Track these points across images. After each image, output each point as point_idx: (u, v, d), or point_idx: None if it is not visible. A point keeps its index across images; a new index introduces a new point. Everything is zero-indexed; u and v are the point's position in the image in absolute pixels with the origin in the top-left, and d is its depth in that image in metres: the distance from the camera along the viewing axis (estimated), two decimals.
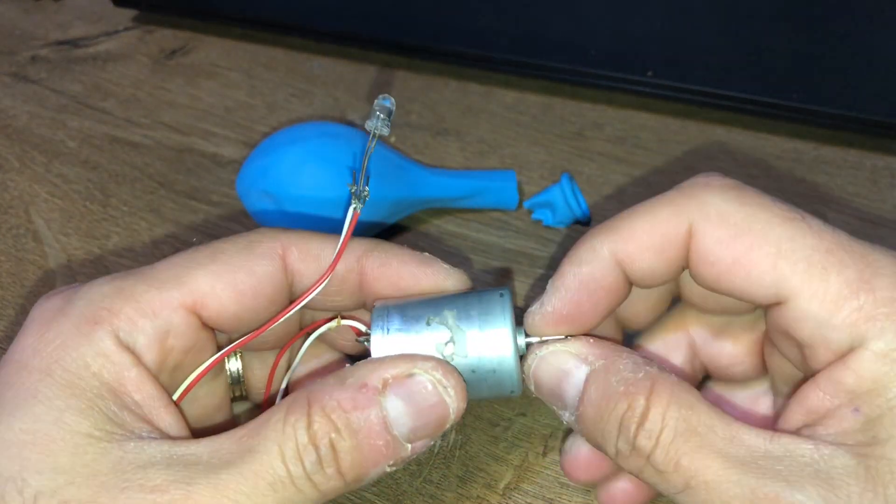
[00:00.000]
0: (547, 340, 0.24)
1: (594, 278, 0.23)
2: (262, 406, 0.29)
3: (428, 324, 0.24)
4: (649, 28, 0.48)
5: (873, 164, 0.42)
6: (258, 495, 0.20)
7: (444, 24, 0.49)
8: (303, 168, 0.35)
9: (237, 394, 0.28)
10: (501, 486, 0.29)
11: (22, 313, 0.37)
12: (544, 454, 0.30)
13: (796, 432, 0.21)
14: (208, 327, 0.25)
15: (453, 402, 0.23)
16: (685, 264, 0.23)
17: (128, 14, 0.57)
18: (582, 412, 0.22)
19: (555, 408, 0.24)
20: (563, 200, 0.38)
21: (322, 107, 0.48)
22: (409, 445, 0.22)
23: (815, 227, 0.21)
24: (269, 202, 0.35)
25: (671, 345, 0.28)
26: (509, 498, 0.29)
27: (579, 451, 0.27)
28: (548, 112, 0.47)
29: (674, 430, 0.20)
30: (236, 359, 0.28)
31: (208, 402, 0.26)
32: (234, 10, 0.53)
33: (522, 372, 0.24)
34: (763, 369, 0.26)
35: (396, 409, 0.22)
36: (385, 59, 0.51)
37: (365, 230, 0.37)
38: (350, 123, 0.46)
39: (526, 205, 0.40)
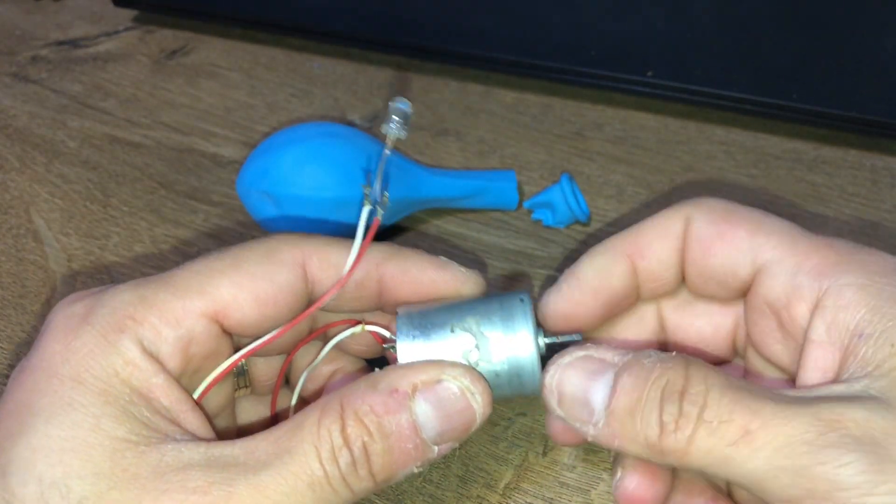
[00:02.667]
0: (567, 342, 0.24)
1: (607, 267, 0.25)
2: (272, 405, 0.29)
3: (452, 331, 0.24)
4: (649, 28, 0.48)
5: (873, 164, 0.42)
6: (297, 495, 0.21)
7: (444, 24, 0.49)
8: (303, 168, 0.35)
9: (240, 385, 0.28)
10: (501, 485, 0.29)
11: (23, 313, 0.37)
12: (544, 454, 0.30)
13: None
14: (227, 333, 0.25)
15: (480, 407, 0.23)
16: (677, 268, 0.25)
17: (128, 14, 0.57)
18: (615, 405, 0.21)
19: (578, 424, 0.22)
20: (563, 200, 0.38)
21: (322, 107, 0.48)
22: (436, 448, 0.23)
23: (785, 220, 0.24)
24: (268, 202, 0.35)
25: (640, 326, 0.28)
26: (509, 497, 0.29)
27: (631, 480, 0.25)
28: (548, 112, 0.47)
29: (720, 388, 0.20)
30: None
31: (218, 400, 0.26)
32: (234, 10, 0.53)
33: (543, 385, 0.24)
34: (732, 352, 0.27)
35: (425, 414, 0.22)
36: (385, 59, 0.51)
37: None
38: (350, 123, 0.46)
39: (526, 205, 0.40)
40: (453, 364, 0.23)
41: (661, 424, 0.20)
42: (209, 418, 0.24)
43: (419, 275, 0.26)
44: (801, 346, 0.23)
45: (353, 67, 0.51)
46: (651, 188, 0.41)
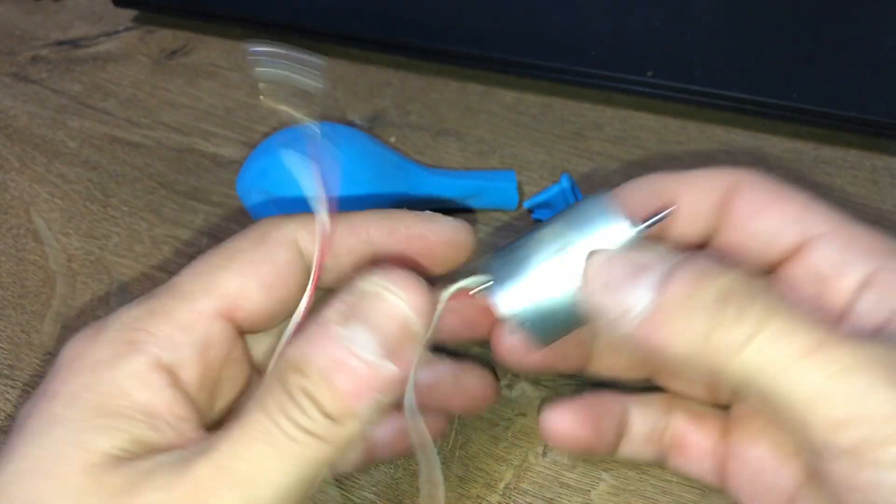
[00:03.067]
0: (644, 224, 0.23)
1: (640, 185, 0.26)
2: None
3: (543, 258, 0.23)
4: (649, 28, 0.48)
5: (873, 164, 0.42)
6: (256, 457, 0.20)
7: (444, 24, 0.49)
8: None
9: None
10: (501, 485, 0.29)
11: (23, 313, 0.37)
12: (544, 454, 0.30)
13: None
14: (240, 335, 0.24)
15: (404, 301, 0.21)
16: (715, 224, 0.25)
17: (128, 14, 0.57)
18: (666, 297, 0.20)
19: (614, 316, 0.21)
20: (563, 201, 0.38)
21: (322, 107, 0.48)
22: (388, 363, 0.21)
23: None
24: (269, 202, 0.35)
25: None
26: (509, 498, 0.29)
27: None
28: (548, 112, 0.47)
29: (788, 303, 0.19)
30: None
31: (234, 389, 0.25)
32: (234, 10, 0.53)
33: (584, 272, 0.22)
34: None
35: (352, 329, 0.21)
36: (385, 59, 0.51)
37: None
38: (350, 123, 0.46)
39: (526, 205, 0.40)
40: (368, 273, 0.22)
41: (717, 320, 0.19)
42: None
43: (408, 231, 0.26)
44: (836, 319, 0.22)
45: (353, 67, 0.51)
46: None
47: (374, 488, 0.29)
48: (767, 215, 0.24)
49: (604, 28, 0.48)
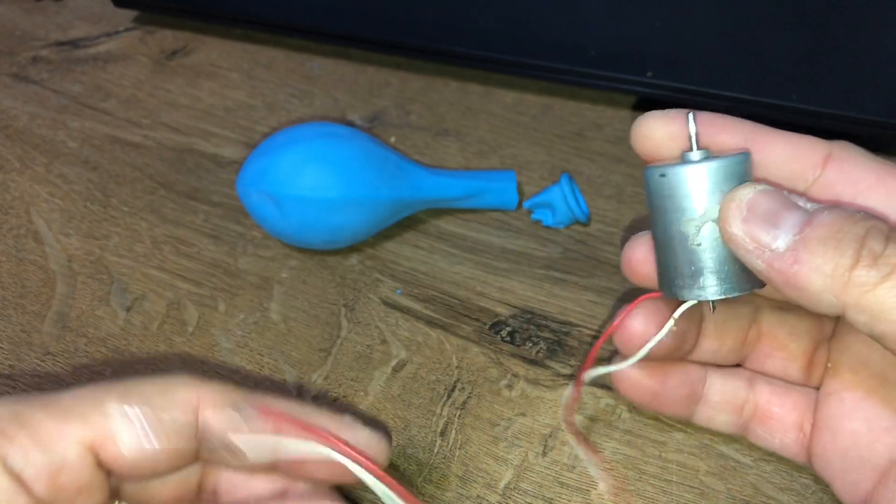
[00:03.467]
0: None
1: (726, 130, 0.24)
2: None
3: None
4: (649, 28, 0.48)
5: None
6: None
7: (444, 24, 0.49)
8: (303, 169, 0.35)
9: None
10: (501, 485, 0.29)
11: (23, 313, 0.37)
12: (544, 454, 0.30)
13: None
14: (103, 468, 0.23)
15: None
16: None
17: (128, 15, 0.58)
18: (810, 232, 0.20)
19: (752, 247, 0.21)
20: (562, 200, 0.38)
21: (322, 107, 0.48)
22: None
23: None
24: (269, 203, 0.35)
25: None
26: (509, 498, 0.29)
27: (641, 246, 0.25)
28: (547, 112, 0.47)
29: None
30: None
31: None
32: (234, 11, 0.53)
33: (732, 198, 0.22)
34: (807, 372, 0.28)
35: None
36: (385, 59, 0.51)
37: (365, 230, 0.37)
38: (350, 123, 0.46)
39: (526, 205, 0.40)
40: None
41: (858, 257, 0.19)
42: None
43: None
44: None
45: (353, 68, 0.51)
46: None
47: None
48: (874, 195, 0.23)
49: (604, 28, 0.48)
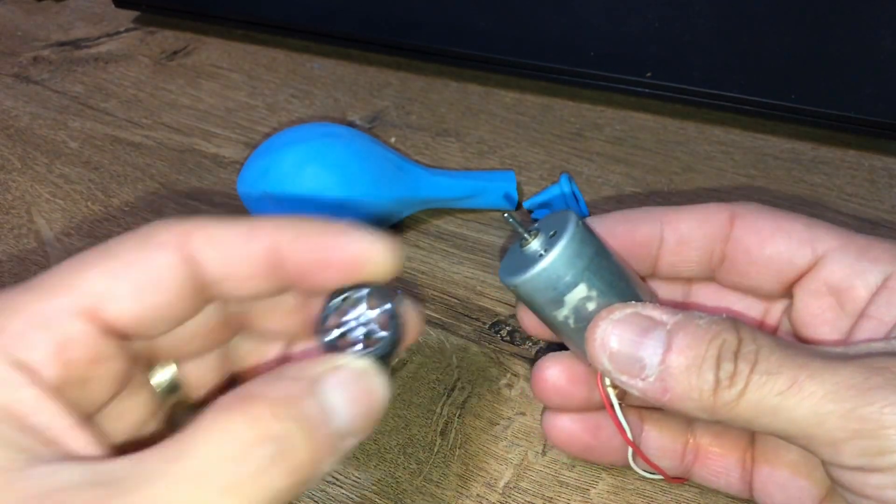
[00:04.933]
0: (613, 306, 0.24)
1: (636, 218, 0.27)
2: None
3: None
4: (648, 29, 0.48)
5: (871, 164, 0.42)
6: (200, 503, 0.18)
7: (444, 24, 0.49)
8: (304, 169, 0.35)
9: (176, 403, 0.27)
10: (501, 484, 0.29)
11: None
12: (544, 453, 0.30)
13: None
14: (113, 334, 0.22)
15: (381, 389, 0.22)
16: (717, 253, 0.26)
17: (129, 15, 0.58)
18: (670, 363, 0.22)
19: (625, 378, 0.23)
20: (562, 201, 0.38)
21: (322, 107, 0.48)
22: (346, 441, 0.21)
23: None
24: (269, 203, 0.35)
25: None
26: (509, 497, 0.29)
27: (557, 368, 0.27)
28: (547, 112, 0.47)
29: (769, 347, 0.21)
30: (164, 369, 0.26)
31: (132, 416, 0.24)
32: (235, 11, 0.53)
33: (593, 340, 0.24)
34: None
35: (333, 399, 0.21)
36: (385, 59, 0.51)
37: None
38: (350, 124, 0.47)
39: (526, 205, 0.40)
40: (349, 354, 0.22)
41: (717, 380, 0.21)
42: (109, 436, 0.22)
43: (317, 241, 0.24)
44: (852, 324, 0.24)
45: (353, 68, 0.51)
46: (650, 188, 0.41)
47: (374, 487, 0.29)
48: (777, 240, 0.25)
49: (603, 28, 0.48)
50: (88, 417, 0.22)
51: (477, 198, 0.40)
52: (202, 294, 0.24)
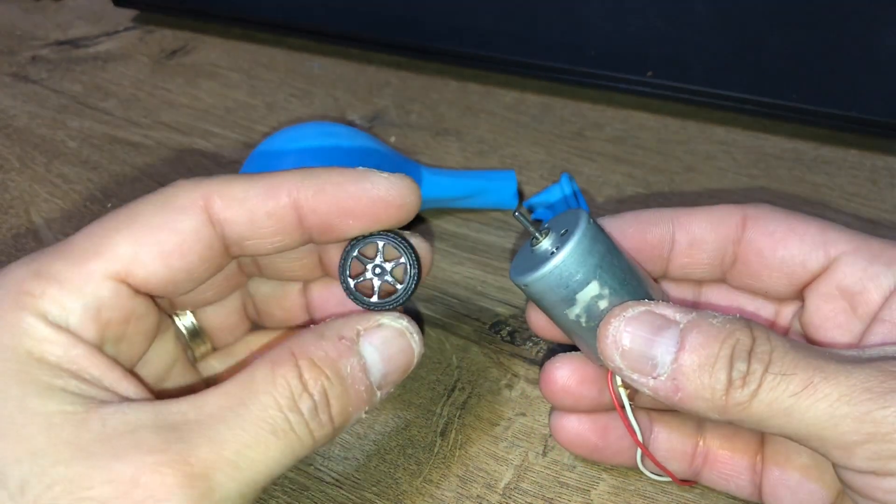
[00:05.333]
0: (626, 304, 0.24)
1: (648, 218, 0.26)
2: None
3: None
4: (649, 28, 0.48)
5: (873, 164, 0.42)
6: (260, 445, 0.20)
7: (444, 24, 0.49)
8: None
9: (201, 348, 0.28)
10: (501, 485, 0.29)
11: None
12: (544, 454, 0.30)
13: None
14: (141, 293, 0.23)
15: (417, 346, 0.25)
16: (728, 255, 0.26)
17: (128, 14, 0.58)
18: (683, 361, 0.22)
19: (636, 376, 0.22)
20: (562, 200, 0.38)
21: (322, 107, 0.48)
22: (380, 392, 0.24)
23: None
24: None
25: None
26: (509, 497, 0.29)
27: (567, 367, 0.27)
28: (548, 112, 0.47)
29: (783, 348, 0.21)
30: (185, 315, 0.27)
31: (160, 363, 0.25)
32: (234, 10, 0.53)
33: (605, 337, 0.24)
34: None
35: (372, 356, 0.23)
36: (385, 59, 0.51)
37: None
38: (350, 123, 0.46)
39: (526, 205, 0.40)
40: (390, 311, 0.25)
41: (730, 380, 0.21)
42: (148, 385, 0.23)
43: (338, 191, 0.24)
44: (864, 328, 0.24)
45: (353, 67, 0.51)
46: (651, 188, 0.41)
47: (374, 488, 0.29)
48: (790, 243, 0.25)
49: (604, 28, 0.48)
50: (129, 370, 0.23)
51: (477, 197, 0.40)
52: (226, 253, 0.25)
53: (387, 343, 0.24)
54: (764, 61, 0.45)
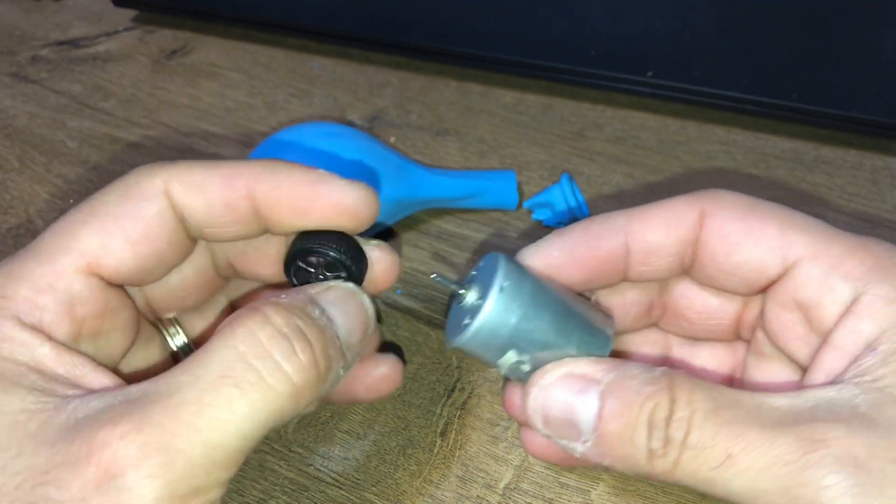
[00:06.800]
0: (545, 369, 0.24)
1: (599, 234, 0.25)
2: None
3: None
4: (649, 28, 0.48)
5: (873, 164, 0.42)
6: (222, 403, 0.19)
7: (444, 24, 0.49)
8: None
9: (185, 352, 0.28)
10: (501, 486, 0.29)
11: None
12: None
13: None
14: (115, 285, 0.24)
15: (370, 307, 0.25)
16: (688, 256, 0.25)
17: (128, 14, 0.57)
18: (603, 429, 0.22)
19: (565, 442, 0.23)
20: (562, 200, 0.38)
21: (322, 107, 0.48)
22: (349, 353, 0.24)
23: (811, 217, 0.24)
24: None
25: (641, 293, 0.28)
26: (509, 498, 0.29)
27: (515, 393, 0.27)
28: (548, 112, 0.47)
29: (704, 411, 0.20)
30: (175, 328, 0.28)
31: (123, 336, 0.25)
32: (234, 10, 0.53)
33: (527, 407, 0.24)
34: (735, 335, 0.28)
35: (332, 311, 0.23)
36: (385, 59, 0.51)
37: (364, 231, 0.37)
38: (350, 123, 0.46)
39: (526, 205, 0.40)
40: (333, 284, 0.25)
41: (650, 451, 0.21)
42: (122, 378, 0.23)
43: (293, 191, 0.24)
44: (819, 345, 0.23)
45: (353, 67, 0.51)
46: (651, 188, 0.41)
47: (374, 488, 0.29)
48: (745, 247, 0.24)
49: (604, 28, 0.48)
50: (106, 366, 0.23)
51: (477, 198, 0.40)
52: (189, 236, 0.25)
53: (341, 299, 0.24)
54: (764, 61, 0.45)
